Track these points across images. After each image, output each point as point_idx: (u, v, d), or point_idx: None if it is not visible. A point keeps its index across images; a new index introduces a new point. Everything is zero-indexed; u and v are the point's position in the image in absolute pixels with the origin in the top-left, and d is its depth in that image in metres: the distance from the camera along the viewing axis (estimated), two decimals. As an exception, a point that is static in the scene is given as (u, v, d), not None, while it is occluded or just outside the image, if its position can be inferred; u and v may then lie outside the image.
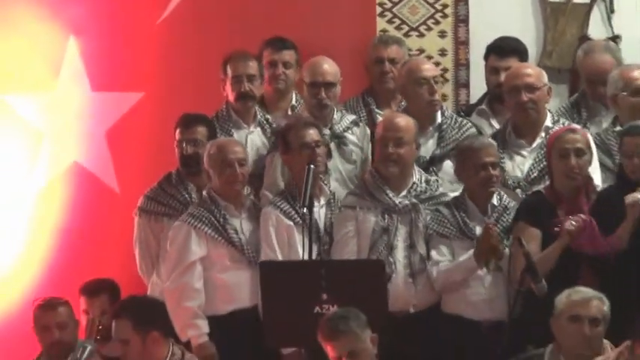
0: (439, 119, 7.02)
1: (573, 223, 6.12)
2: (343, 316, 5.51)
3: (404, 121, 6.63)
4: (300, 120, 6.82)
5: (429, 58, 7.56)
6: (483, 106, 7.38)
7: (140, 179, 7.25)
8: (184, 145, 6.84)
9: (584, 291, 5.80)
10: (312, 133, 6.63)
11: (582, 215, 6.16)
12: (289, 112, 7.25)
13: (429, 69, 7.00)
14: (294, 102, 7.34)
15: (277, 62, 7.24)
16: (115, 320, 5.88)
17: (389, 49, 7.25)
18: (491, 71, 7.30)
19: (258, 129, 7.19)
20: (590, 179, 6.49)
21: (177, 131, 6.87)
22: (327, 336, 5.49)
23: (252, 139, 7.13)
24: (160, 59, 7.75)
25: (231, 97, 7.14)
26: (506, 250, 6.31)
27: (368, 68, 7.29)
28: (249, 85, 7.07)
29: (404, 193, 6.61)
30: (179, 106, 7.19)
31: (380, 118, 7.03)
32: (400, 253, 6.53)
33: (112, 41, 7.79)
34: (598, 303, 5.74)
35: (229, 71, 7.11)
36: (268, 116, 7.23)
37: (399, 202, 6.58)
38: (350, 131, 7.05)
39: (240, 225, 6.70)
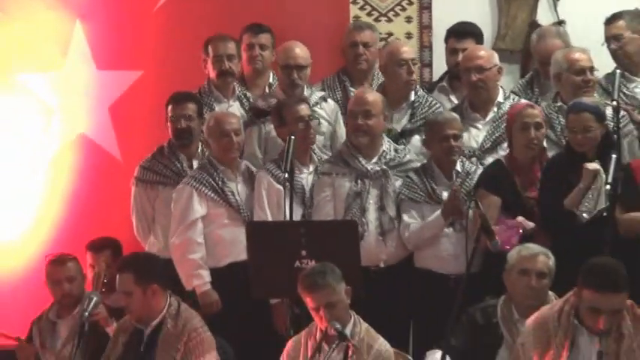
0: (412, 97, 7.04)
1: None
2: (321, 270, 5.52)
3: (372, 96, 6.66)
4: (292, 97, 6.84)
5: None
6: (444, 84, 7.40)
7: (140, 149, 7.22)
8: (178, 120, 6.83)
9: (532, 247, 5.84)
10: (304, 108, 6.66)
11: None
12: (267, 90, 7.26)
13: (408, 51, 7.04)
14: (271, 80, 7.34)
15: (254, 45, 7.23)
16: (118, 274, 5.87)
17: (362, 34, 7.22)
18: (451, 52, 7.30)
19: (237, 103, 7.20)
20: (544, 150, 6.54)
21: (169, 108, 6.87)
22: (307, 289, 5.50)
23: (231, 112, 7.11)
24: (157, 42, 7.74)
25: (212, 75, 7.17)
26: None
27: (344, 51, 7.26)
28: (228, 64, 7.11)
29: (374, 160, 6.63)
30: (174, 83, 7.21)
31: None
32: (372, 215, 6.55)
33: (114, 25, 7.78)
34: (544, 258, 5.77)
35: (210, 51, 7.15)
36: (247, 92, 7.23)
37: (371, 169, 6.60)
38: (319, 106, 7.06)
39: (237, 187, 6.72)
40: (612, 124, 6.46)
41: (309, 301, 5.51)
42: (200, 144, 6.95)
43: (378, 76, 7.28)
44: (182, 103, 6.85)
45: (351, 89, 7.16)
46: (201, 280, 6.57)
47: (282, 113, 6.67)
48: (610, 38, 7.04)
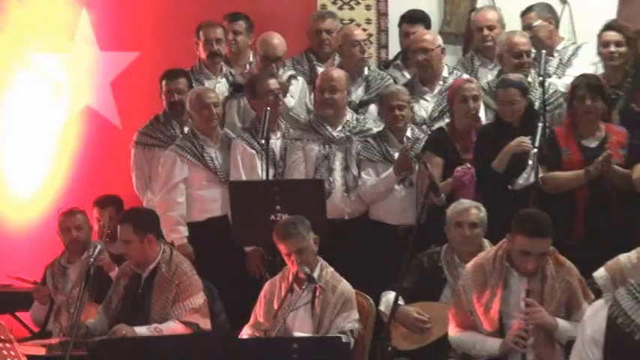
0: (366, 72, 7.02)
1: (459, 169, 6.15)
2: (292, 222, 5.51)
3: (337, 73, 6.64)
4: (263, 72, 6.79)
5: (358, 25, 7.49)
6: (398, 62, 7.35)
7: (137, 118, 7.17)
8: (172, 93, 6.81)
9: (465, 202, 5.82)
10: (274, 82, 6.61)
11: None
12: (247, 68, 7.23)
13: (359, 34, 7.03)
14: (251, 59, 7.30)
15: (230, 32, 7.21)
16: (119, 225, 5.88)
17: (325, 22, 7.17)
18: (404, 35, 7.24)
19: (224, 80, 7.17)
20: (479, 119, 6.51)
21: (164, 83, 6.86)
22: (280, 237, 5.50)
23: (219, 87, 7.09)
24: (152, 27, 7.73)
25: (203, 56, 7.14)
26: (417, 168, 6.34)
27: (309, 36, 7.21)
28: (217, 47, 7.08)
29: (339, 128, 6.61)
30: (166, 63, 7.16)
31: (320, 70, 7.01)
32: (338, 174, 6.54)
33: (114, 12, 7.78)
34: (476, 211, 5.75)
35: (201, 35, 7.12)
36: (232, 70, 7.20)
37: (336, 135, 6.58)
38: (288, 83, 7.00)
39: (215, 153, 6.67)
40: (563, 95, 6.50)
41: (282, 248, 5.51)
42: (187, 112, 6.89)
43: (338, 57, 7.22)
44: (175, 79, 6.84)
45: (318, 64, 7.14)
46: (178, 235, 6.55)
47: (255, 87, 6.63)
48: (525, 27, 7.01)
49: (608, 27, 6.64)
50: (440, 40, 6.91)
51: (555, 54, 7.00)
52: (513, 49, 6.65)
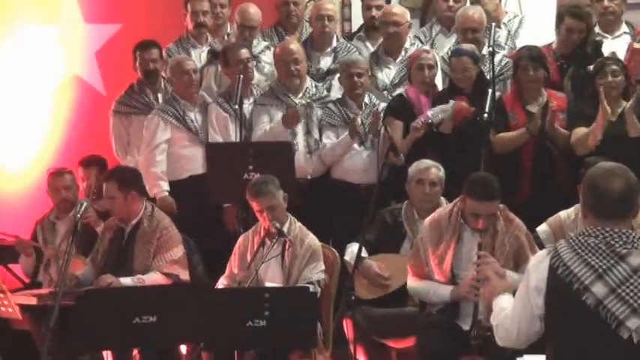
0: (335, 44, 6.93)
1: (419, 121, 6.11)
2: (264, 180, 5.46)
3: (294, 45, 6.56)
4: (235, 43, 6.72)
5: (324, 0, 7.45)
6: (361, 34, 7.25)
7: (121, 86, 7.00)
8: (147, 63, 6.74)
9: (426, 162, 5.77)
10: (245, 52, 6.53)
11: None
12: (226, 38, 7.16)
13: (328, 8, 6.92)
14: (229, 30, 7.23)
15: (216, 4, 7.12)
16: (105, 183, 5.82)
17: None
18: (366, 8, 7.14)
19: (209, 48, 7.07)
20: (435, 86, 6.47)
21: (137, 53, 6.77)
22: (253, 195, 5.44)
23: (203, 56, 7.03)
24: (134, 1, 7.62)
25: (190, 27, 7.05)
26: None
27: (277, 8, 7.11)
28: (203, 18, 7.01)
29: (300, 95, 6.53)
30: (147, 34, 7.04)
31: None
32: (300, 138, 6.45)
33: None
34: (435, 170, 5.72)
35: (189, 8, 7.03)
36: (215, 40, 7.12)
37: (298, 102, 6.49)
38: (263, 53, 6.94)
39: (195, 116, 6.59)
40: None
41: (254, 205, 5.46)
42: (162, 80, 6.86)
43: (306, 27, 7.17)
44: (148, 49, 6.74)
45: (287, 37, 7.02)
46: (159, 189, 6.46)
47: (227, 56, 6.55)
48: (473, 2, 6.94)
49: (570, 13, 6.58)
50: (408, 16, 6.85)
51: (502, 26, 6.95)
52: (464, 25, 6.62)
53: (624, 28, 6.79)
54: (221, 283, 5.55)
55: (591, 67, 6.12)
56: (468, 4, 6.99)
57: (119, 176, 5.82)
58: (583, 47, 6.49)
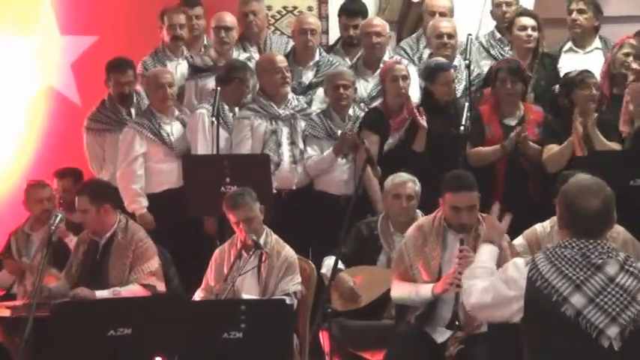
0: (317, 57, 6.91)
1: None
2: (240, 192, 5.44)
3: (279, 57, 6.55)
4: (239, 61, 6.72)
5: (300, 13, 7.47)
6: (338, 47, 7.24)
7: (96, 97, 6.98)
8: (122, 86, 6.71)
9: (402, 175, 5.77)
10: (250, 76, 6.54)
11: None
12: (202, 50, 7.12)
13: (311, 22, 6.91)
14: (205, 43, 7.20)
15: (192, 16, 7.10)
16: (77, 196, 5.75)
17: (250, 5, 7.04)
18: (344, 27, 7.11)
19: (185, 62, 7.06)
20: (409, 97, 6.44)
21: (112, 74, 6.71)
22: (230, 207, 5.42)
23: (180, 69, 7.01)
24: (110, 13, 7.57)
25: (166, 39, 7.03)
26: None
27: (239, 20, 7.07)
28: (180, 31, 6.99)
29: (283, 106, 6.50)
30: (123, 46, 7.05)
31: (253, 54, 7.01)
32: (285, 148, 6.43)
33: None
34: (412, 184, 5.71)
35: (166, 21, 7.00)
36: (192, 53, 7.10)
37: (282, 112, 6.47)
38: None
39: (171, 130, 6.56)
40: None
41: (231, 217, 5.43)
42: (135, 95, 6.82)
43: (269, 37, 7.20)
44: (123, 71, 6.71)
45: (251, 50, 7.05)
46: (139, 205, 6.43)
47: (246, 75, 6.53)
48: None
49: (523, 13, 6.66)
50: (388, 28, 6.87)
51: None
52: (435, 32, 6.63)
53: (597, 43, 6.82)
54: (197, 295, 5.50)
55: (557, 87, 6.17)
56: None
57: (91, 189, 5.76)
58: (536, 55, 6.54)
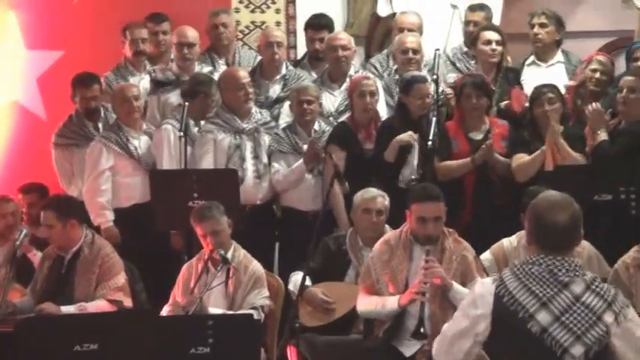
0: (283, 71, 6.88)
1: None
2: (208, 206, 5.43)
3: (242, 72, 6.54)
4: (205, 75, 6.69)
5: (268, 27, 7.42)
6: (305, 62, 7.24)
7: (62, 112, 6.95)
8: (88, 101, 6.68)
9: (372, 190, 5.77)
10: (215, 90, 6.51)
11: None
12: (169, 64, 7.08)
13: (277, 35, 6.89)
14: (172, 57, 7.13)
15: (159, 32, 7.09)
16: (42, 211, 5.71)
17: (219, 17, 7.02)
18: (310, 41, 7.12)
19: (147, 76, 7.03)
20: (377, 112, 6.47)
21: (78, 89, 6.68)
22: (197, 220, 5.41)
23: (142, 84, 6.96)
24: (75, 28, 7.56)
25: (129, 54, 7.01)
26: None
27: (208, 33, 7.07)
28: (142, 46, 6.98)
29: (247, 120, 6.48)
30: (89, 61, 7.03)
31: (221, 64, 6.99)
32: (249, 162, 6.40)
33: (40, 14, 7.60)
34: (382, 199, 5.72)
35: (128, 35, 6.98)
36: (154, 67, 7.06)
37: (245, 127, 6.45)
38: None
39: (139, 144, 6.53)
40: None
41: (198, 230, 5.41)
42: (102, 109, 6.78)
43: (238, 50, 7.18)
44: (89, 86, 6.68)
45: (219, 62, 7.03)
46: (105, 219, 6.39)
47: (211, 90, 6.51)
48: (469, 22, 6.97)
49: (487, 28, 6.71)
50: (353, 43, 6.87)
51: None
52: (401, 47, 6.65)
53: (559, 57, 6.88)
54: (165, 311, 5.46)
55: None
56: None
57: (57, 205, 5.72)
58: (501, 69, 6.59)
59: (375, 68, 6.98)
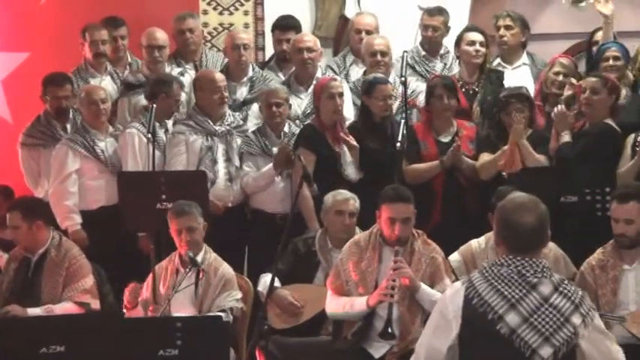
0: (250, 73, 6.86)
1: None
2: (187, 203, 5.44)
3: (218, 75, 6.49)
4: (169, 76, 6.66)
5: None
6: (272, 64, 7.22)
7: (28, 114, 6.88)
8: (59, 100, 6.61)
9: (343, 193, 5.79)
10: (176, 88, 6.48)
11: None
12: (128, 68, 7.07)
13: (243, 37, 6.87)
14: (129, 60, 7.13)
15: (117, 37, 7.02)
16: (8, 213, 5.67)
17: (186, 22, 6.98)
18: (277, 42, 7.10)
19: (108, 77, 6.99)
20: (343, 117, 6.44)
21: (50, 88, 6.61)
22: (176, 214, 5.41)
23: (104, 85, 6.88)
24: (42, 29, 7.48)
25: (88, 56, 6.94)
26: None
27: (175, 38, 7.03)
28: (102, 48, 6.91)
29: (219, 122, 6.45)
30: (54, 63, 6.97)
31: (188, 70, 6.95)
32: (221, 165, 6.38)
33: (6, 16, 7.50)
34: (353, 201, 5.74)
35: (87, 37, 6.91)
36: (116, 69, 7.03)
37: (218, 129, 6.42)
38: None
39: (106, 146, 6.48)
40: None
41: (175, 225, 5.39)
42: (71, 111, 6.72)
43: (205, 52, 7.14)
44: (62, 85, 6.62)
45: (186, 67, 6.99)
46: (72, 222, 6.34)
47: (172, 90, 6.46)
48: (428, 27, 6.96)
49: (471, 29, 6.73)
50: (319, 45, 6.85)
51: (439, 58, 6.99)
52: (369, 49, 6.65)
53: (524, 59, 6.93)
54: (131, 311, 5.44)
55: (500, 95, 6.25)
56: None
57: (23, 206, 5.69)
58: (484, 70, 6.61)
59: (333, 70, 6.98)
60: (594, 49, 6.67)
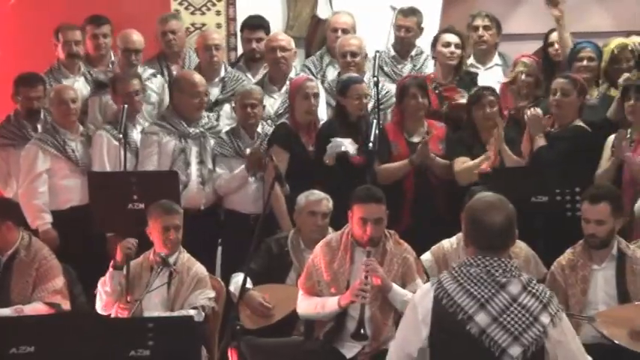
0: (222, 73, 6.85)
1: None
2: (170, 202, 5.45)
3: (198, 77, 6.44)
4: (127, 73, 6.61)
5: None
6: (241, 64, 7.20)
7: (-1, 114, 6.89)
8: (30, 101, 6.57)
9: (317, 193, 5.78)
10: (136, 83, 6.44)
11: None
12: (110, 66, 7.03)
13: (215, 38, 6.87)
14: (112, 59, 7.10)
15: (99, 35, 6.98)
16: (-22, 214, 5.60)
17: (168, 23, 6.98)
18: (246, 41, 7.09)
19: (82, 78, 6.95)
20: (316, 115, 6.46)
21: (22, 88, 6.56)
22: (164, 211, 5.41)
23: (77, 86, 6.85)
24: (12, 29, 7.47)
25: (62, 56, 6.91)
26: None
27: (158, 39, 7.02)
28: (75, 48, 6.88)
29: (193, 124, 6.43)
30: (25, 63, 6.91)
31: (173, 71, 6.94)
32: (194, 167, 6.35)
33: None
34: (327, 202, 5.73)
35: (60, 37, 6.88)
36: (93, 69, 6.98)
37: (192, 131, 6.39)
38: (149, 81, 6.84)
39: (76, 146, 6.45)
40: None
41: (161, 222, 5.39)
42: (42, 111, 6.68)
43: (189, 55, 7.12)
44: (34, 86, 6.57)
45: (171, 68, 6.99)
46: (42, 221, 6.30)
47: (116, 86, 6.44)
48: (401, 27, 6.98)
49: (447, 30, 6.74)
50: (293, 44, 6.84)
51: (409, 59, 7.01)
52: (340, 50, 6.65)
53: (497, 59, 6.97)
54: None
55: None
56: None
57: (-9, 207, 5.64)
58: (459, 72, 6.64)
59: (309, 70, 6.98)
60: (550, 50, 6.76)
